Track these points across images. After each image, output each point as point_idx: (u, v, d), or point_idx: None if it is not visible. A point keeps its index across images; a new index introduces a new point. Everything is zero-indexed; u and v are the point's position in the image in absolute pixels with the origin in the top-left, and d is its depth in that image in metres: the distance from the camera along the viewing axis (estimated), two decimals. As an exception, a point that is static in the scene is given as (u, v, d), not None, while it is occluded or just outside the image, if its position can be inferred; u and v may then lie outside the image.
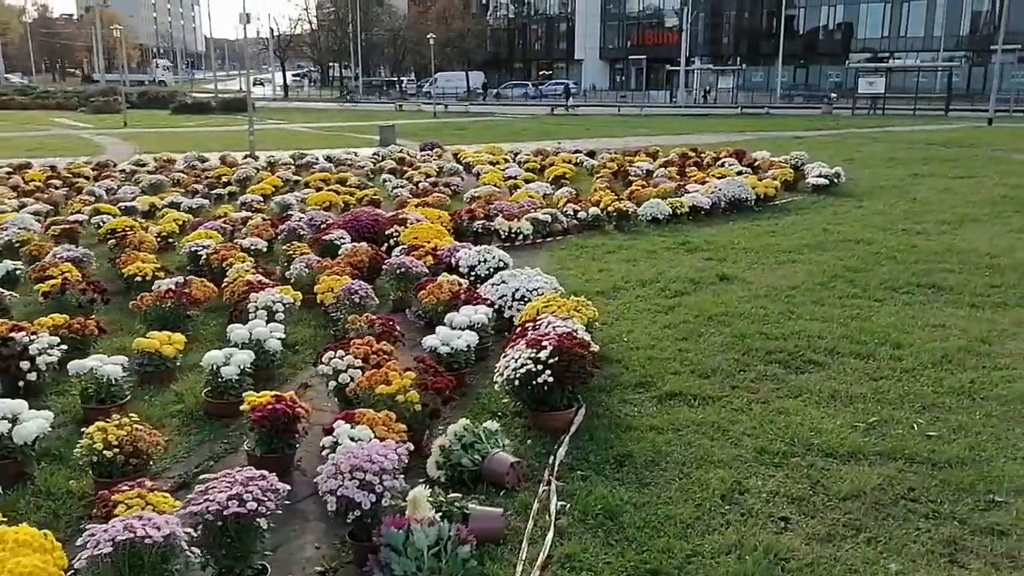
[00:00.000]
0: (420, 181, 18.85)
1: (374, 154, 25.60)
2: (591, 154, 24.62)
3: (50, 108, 61.38)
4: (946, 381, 6.16)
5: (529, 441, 5.43)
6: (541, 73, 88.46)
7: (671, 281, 9.67)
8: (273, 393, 5.22)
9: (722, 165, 20.05)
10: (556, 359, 5.50)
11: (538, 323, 6.35)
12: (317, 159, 24.99)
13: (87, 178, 21.39)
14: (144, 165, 23.99)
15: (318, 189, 17.85)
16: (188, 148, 31.32)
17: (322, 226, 12.15)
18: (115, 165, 24.33)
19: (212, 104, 59.04)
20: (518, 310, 7.81)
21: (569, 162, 22.35)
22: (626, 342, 7.47)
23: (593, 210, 13.62)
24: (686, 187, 15.85)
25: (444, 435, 5.07)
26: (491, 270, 9.18)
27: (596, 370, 6.09)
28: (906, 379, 6.25)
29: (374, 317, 6.93)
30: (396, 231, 11.18)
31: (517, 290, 8.04)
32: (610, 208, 13.84)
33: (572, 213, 13.72)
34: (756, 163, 20.15)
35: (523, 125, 44.58)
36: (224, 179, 20.01)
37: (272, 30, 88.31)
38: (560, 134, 37.62)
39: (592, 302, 8.78)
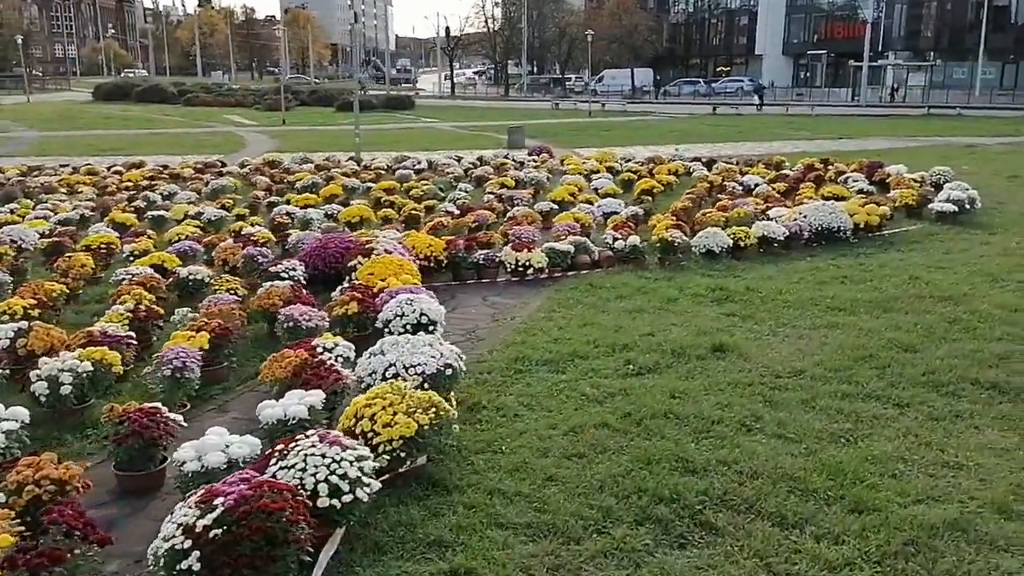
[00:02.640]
0: (491, 192, 17.11)
1: (477, 159, 24.05)
2: (710, 163, 22.00)
3: (230, 105, 64.14)
4: (881, 604, 3.72)
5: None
6: (718, 70, 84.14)
7: (650, 349, 7.41)
8: None
9: (845, 182, 17.00)
10: (223, 529, 3.60)
11: (291, 448, 4.42)
12: (420, 161, 23.78)
13: (186, 179, 21.12)
14: (246, 166, 23.66)
15: (377, 199, 16.55)
16: (325, 146, 31.21)
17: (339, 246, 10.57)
18: (223, 165, 24.12)
19: (373, 102, 59.67)
20: (386, 393, 5.95)
21: (676, 172, 19.94)
22: (495, 456, 5.40)
23: (633, 239, 11.35)
24: (768, 211, 13.19)
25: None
26: (407, 327, 7.31)
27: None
28: (819, 589, 3.85)
29: (135, 408, 5.24)
30: (359, 263, 9.48)
31: (391, 366, 6.14)
32: (654, 238, 11.52)
33: (611, 241, 11.55)
34: (888, 179, 16.96)
35: (674, 126, 41.77)
36: (298, 185, 19.06)
37: (448, 29, 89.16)
38: (705, 137, 34.80)
39: (527, 376, 6.90)
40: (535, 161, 23.48)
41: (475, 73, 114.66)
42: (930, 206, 13.80)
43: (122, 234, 12.85)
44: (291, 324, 7.24)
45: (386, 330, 7.34)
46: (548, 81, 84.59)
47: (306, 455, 4.30)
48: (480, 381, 6.83)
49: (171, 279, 9.39)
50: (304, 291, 8.43)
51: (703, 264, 10.99)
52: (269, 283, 8.47)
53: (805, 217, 12.24)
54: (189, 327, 6.94)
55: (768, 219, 12.60)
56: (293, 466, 4.26)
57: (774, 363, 6.92)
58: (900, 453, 5.15)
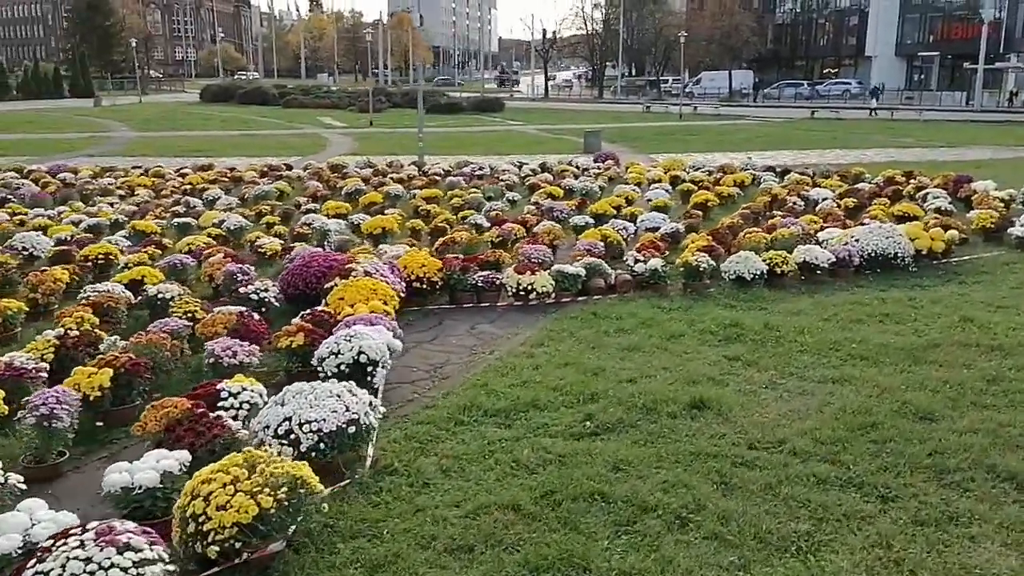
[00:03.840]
0: (533, 202, 16.23)
1: (539, 164, 23.13)
2: (783, 173, 20.51)
3: (326, 107, 64.86)
4: None
5: None
6: (825, 71, 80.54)
7: (621, 402, 6.39)
8: None
9: (924, 198, 15.40)
10: None
11: (56, 548, 3.63)
12: (482, 167, 23.06)
13: (246, 183, 20.98)
14: (307, 168, 23.46)
15: (415, 209, 15.86)
16: (402, 149, 30.84)
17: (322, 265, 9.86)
18: (288, 169, 23.94)
19: (463, 104, 59.42)
20: (278, 453, 5.18)
21: (741, 183, 18.60)
22: (368, 544, 4.54)
23: (654, 262, 10.27)
24: (818, 233, 11.85)
25: None
26: (342, 368, 6.51)
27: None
28: None
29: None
30: (336, 285, 8.74)
31: (286, 420, 5.34)
32: (679, 261, 10.43)
33: (631, 264, 10.52)
34: (973, 197, 15.25)
35: (764, 131, 39.84)
36: (343, 191, 18.59)
37: (545, 32, 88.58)
38: (794, 142, 33.02)
39: (466, 430, 6.02)
40: (598, 168, 22.44)
41: (575, 75, 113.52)
42: (1010, 230, 12.18)
43: (136, 243, 12.58)
44: (211, 360, 6.53)
45: (320, 370, 6.58)
46: (644, 83, 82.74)
47: (67, 558, 3.52)
48: (410, 435, 5.98)
49: (140, 298, 8.88)
50: (256, 317, 7.73)
51: (730, 293, 9.84)
52: (217, 309, 7.80)
53: (857, 241, 10.89)
54: (97, 361, 6.32)
55: (816, 242, 11.31)
56: (48, 573, 3.49)
57: (754, 428, 5.81)
58: (857, 574, 4.03)
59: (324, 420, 5.27)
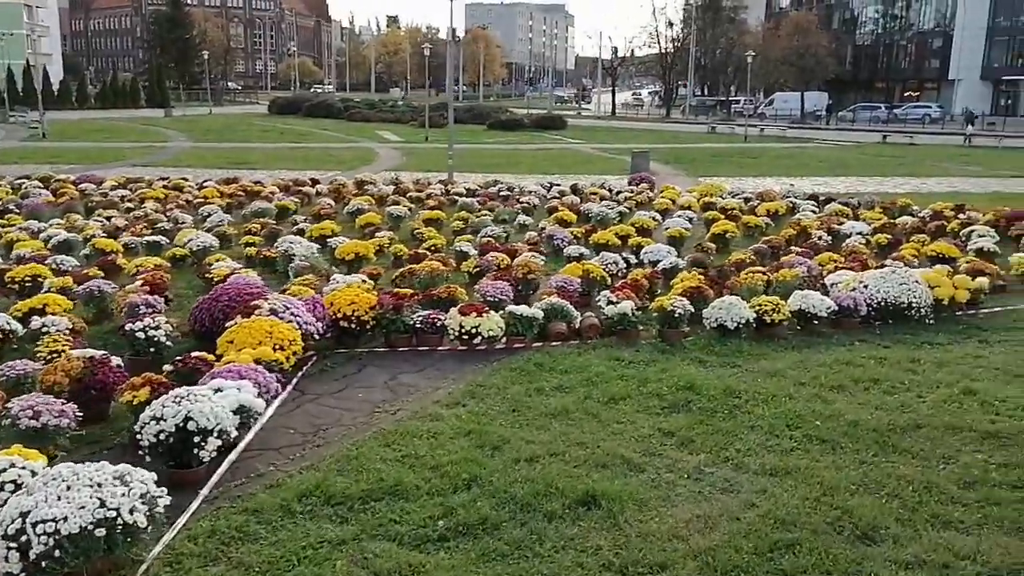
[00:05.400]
0: (535, 230, 15.02)
1: (570, 186, 21.87)
2: (826, 202, 18.91)
3: (389, 121, 64.74)
4: None
5: None
6: (906, 94, 77.13)
7: (498, 491, 5.17)
8: None
9: (968, 236, 13.67)
10: None
11: None
12: (514, 188, 21.96)
13: (265, 198, 20.22)
14: (331, 183, 22.70)
15: (412, 232, 14.81)
16: (447, 166, 29.89)
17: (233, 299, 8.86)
18: (314, 183, 23.21)
19: (524, 121, 58.41)
20: (5, 559, 4.13)
21: (775, 213, 17.08)
22: None
23: (624, 305, 8.94)
24: (827, 276, 10.34)
25: None
26: (164, 439, 5.39)
27: None
28: None
29: None
30: (235, 323, 7.67)
31: (22, 516, 4.21)
32: (654, 306, 9.09)
33: (603, 306, 9.21)
34: (1027, 235, 13.49)
35: (828, 155, 37.76)
36: (346, 211, 17.69)
37: (615, 49, 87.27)
38: (854, 168, 31.14)
39: (288, 526, 4.87)
40: (631, 191, 21.07)
41: (650, 93, 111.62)
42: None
43: (91, 262, 11.85)
44: (9, 422, 5.49)
45: (141, 437, 5.48)
46: (715, 103, 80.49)
47: None
48: (217, 530, 4.85)
49: (25, 330, 7.99)
50: (118, 363, 6.70)
51: (707, 344, 8.49)
52: (75, 352, 6.79)
53: (866, 287, 9.38)
54: None
55: (823, 286, 9.83)
56: None
57: (641, 541, 4.51)
58: None
59: (64, 519, 4.16)
